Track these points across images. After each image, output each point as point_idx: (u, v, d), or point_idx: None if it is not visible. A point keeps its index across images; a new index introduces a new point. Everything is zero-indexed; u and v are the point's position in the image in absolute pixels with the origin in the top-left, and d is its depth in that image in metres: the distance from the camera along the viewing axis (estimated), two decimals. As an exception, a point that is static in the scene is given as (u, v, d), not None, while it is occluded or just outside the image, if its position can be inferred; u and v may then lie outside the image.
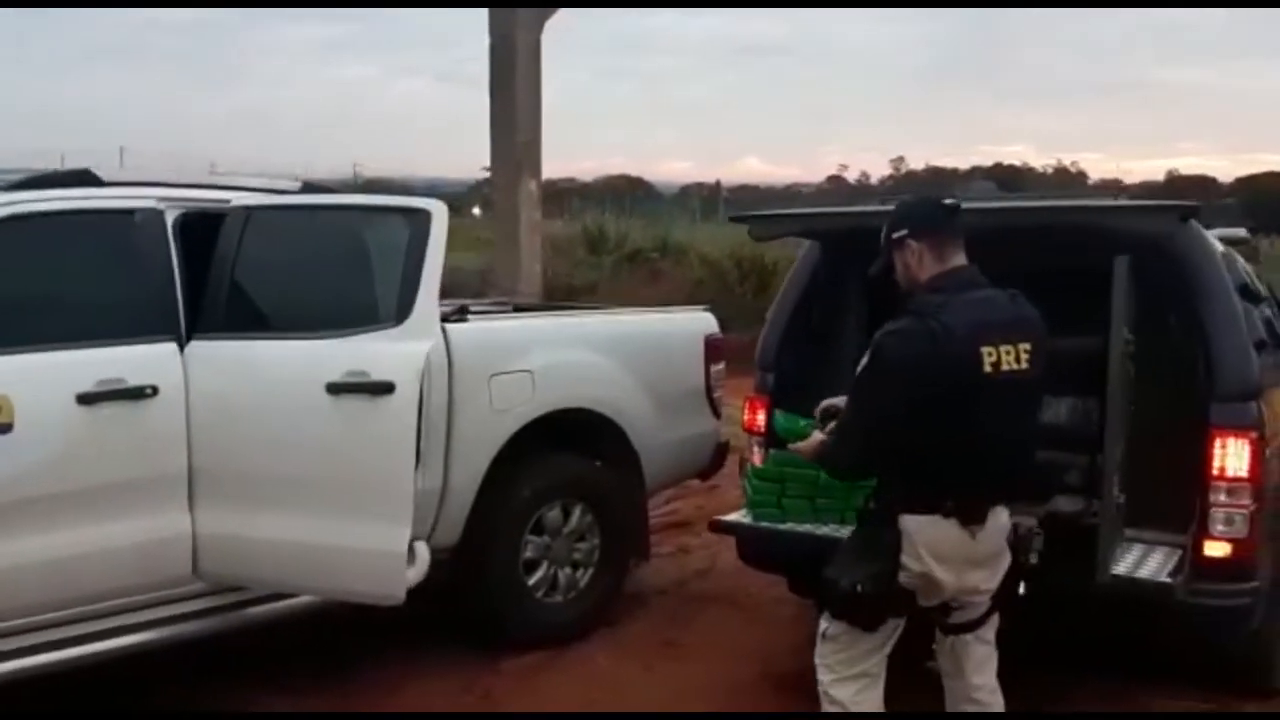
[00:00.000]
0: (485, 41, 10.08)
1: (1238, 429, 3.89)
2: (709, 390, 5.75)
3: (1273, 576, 4.22)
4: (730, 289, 15.18)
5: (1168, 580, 3.65)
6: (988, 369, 3.00)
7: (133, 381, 3.85)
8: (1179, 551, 3.93)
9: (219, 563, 4.01)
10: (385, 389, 3.76)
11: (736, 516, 4.48)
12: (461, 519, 4.74)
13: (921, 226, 3.18)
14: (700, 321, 5.83)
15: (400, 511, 3.79)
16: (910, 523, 3.08)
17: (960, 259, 3.17)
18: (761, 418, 4.74)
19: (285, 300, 4.22)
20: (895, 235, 3.20)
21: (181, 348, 4.01)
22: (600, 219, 20.67)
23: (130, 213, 4.04)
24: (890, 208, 3.42)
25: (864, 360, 3.07)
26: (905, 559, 3.09)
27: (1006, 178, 30.51)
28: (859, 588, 3.07)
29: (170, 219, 4.12)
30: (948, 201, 3.25)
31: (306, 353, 3.94)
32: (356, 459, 3.82)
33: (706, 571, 6.23)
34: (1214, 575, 3.89)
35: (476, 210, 26.80)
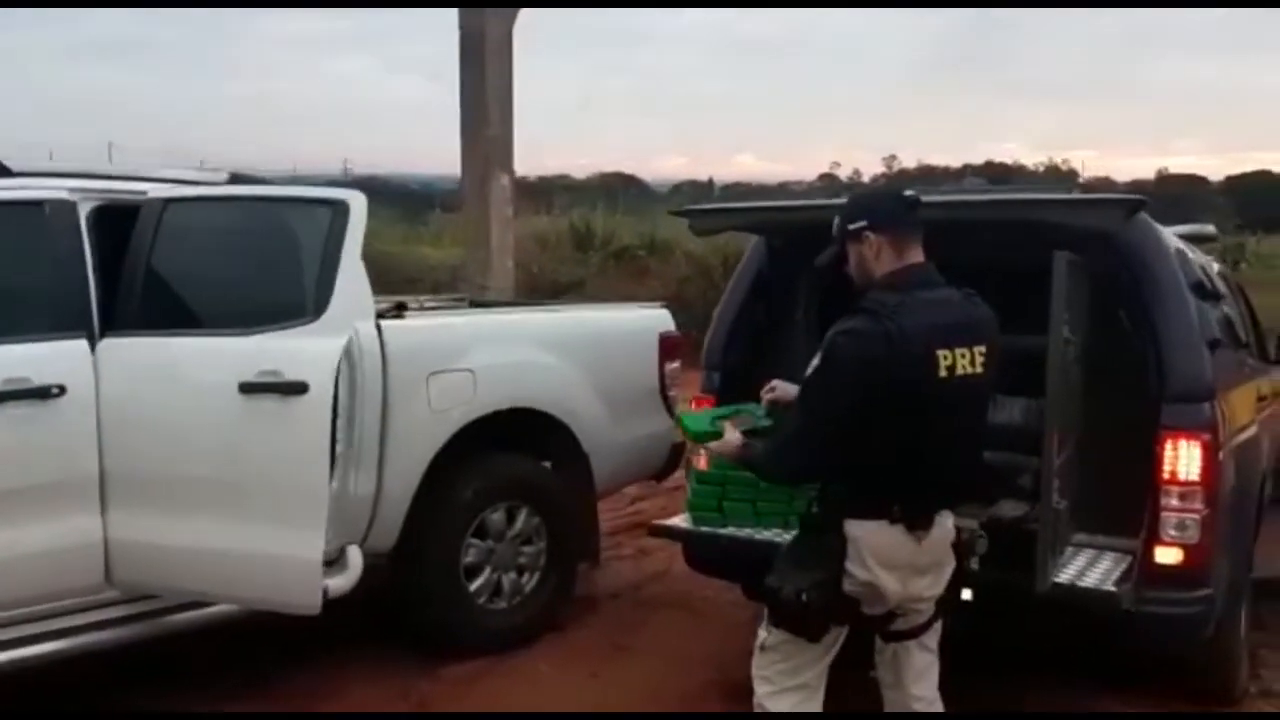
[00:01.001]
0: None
1: (1189, 431, 3.75)
2: (663, 389, 5.60)
3: (1230, 584, 4.09)
4: (716, 285, 15.01)
5: (1112, 589, 3.50)
6: (943, 374, 2.88)
7: (39, 380, 3.70)
8: (1129, 558, 3.78)
9: (132, 570, 3.85)
10: (298, 389, 3.61)
11: (677, 521, 4.32)
12: (398, 523, 4.60)
13: (882, 219, 3.03)
14: (655, 318, 5.68)
15: (314, 517, 3.64)
16: (856, 528, 2.96)
17: (918, 255, 3.04)
18: (708, 418, 4.59)
19: (202, 295, 4.06)
20: (853, 227, 3.05)
21: (93, 345, 3.85)
22: (588, 215, 20.50)
23: (39, 204, 3.89)
24: (836, 201, 3.28)
25: (815, 361, 2.93)
26: (850, 566, 2.96)
27: (998, 175, 30.34)
28: (803, 596, 2.94)
29: (84, 211, 3.96)
30: (908, 194, 3.10)
31: (221, 351, 3.80)
32: (270, 462, 3.67)
33: (663, 574, 6.09)
34: (1165, 582, 3.75)
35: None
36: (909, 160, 44.62)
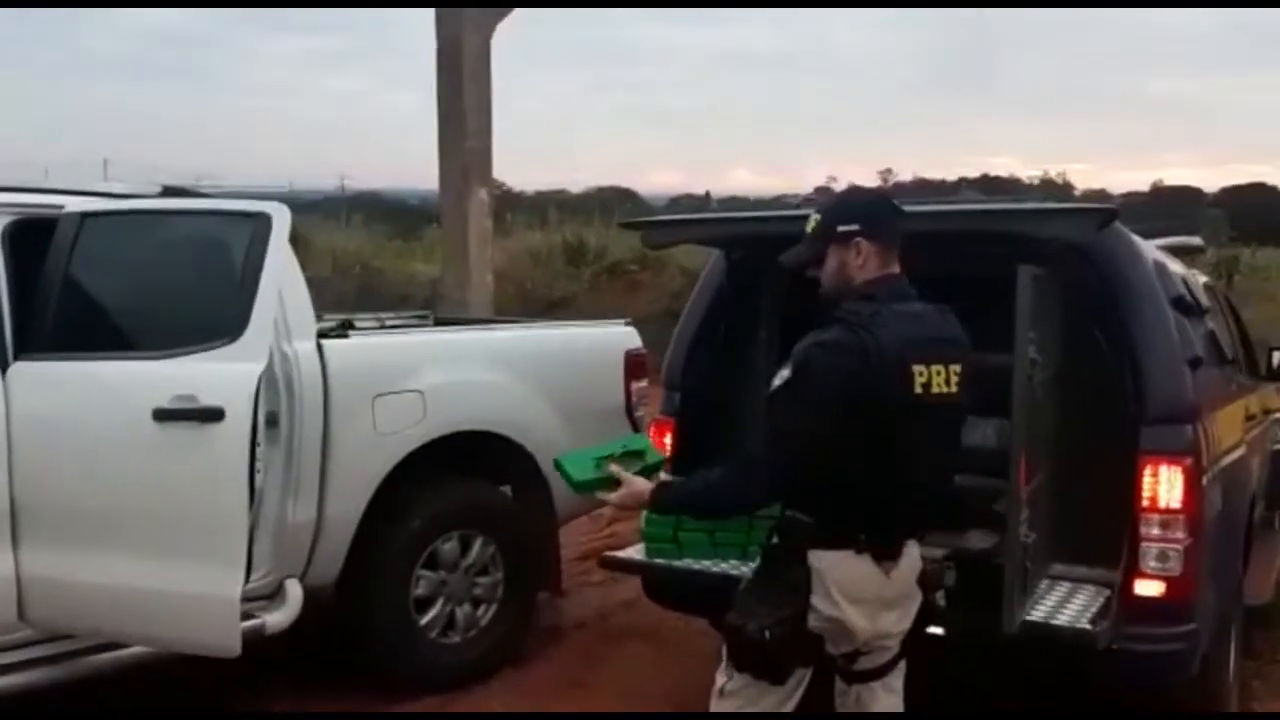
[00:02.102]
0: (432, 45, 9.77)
1: (1170, 455, 3.51)
2: (629, 409, 5.37)
3: (1218, 616, 3.85)
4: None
5: (1087, 627, 3.25)
6: (918, 390, 2.67)
7: (-56, 408, 3.47)
8: (1108, 591, 3.54)
9: (46, 608, 3.61)
10: (214, 415, 3.38)
11: (631, 552, 4.08)
12: (341, 553, 4.38)
13: (876, 226, 2.80)
14: (620, 336, 5.45)
15: (232, 552, 3.40)
16: (820, 559, 2.73)
17: (897, 266, 2.83)
18: (669, 440, 4.36)
19: (120, 316, 3.82)
20: (843, 229, 2.80)
21: (4, 370, 3.63)
22: (581, 231, 20.30)
23: (-54, 221, 3.67)
24: (796, 213, 3.05)
25: (783, 373, 2.68)
26: (815, 600, 2.73)
27: (993, 188, 30.09)
28: (768, 634, 2.70)
29: (-3, 227, 3.74)
30: (898, 203, 2.91)
31: (137, 375, 3.56)
32: (185, 494, 3.43)
33: (633, 602, 5.80)
34: (1146, 618, 3.51)
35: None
36: (904, 174, 44.30)
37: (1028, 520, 3.16)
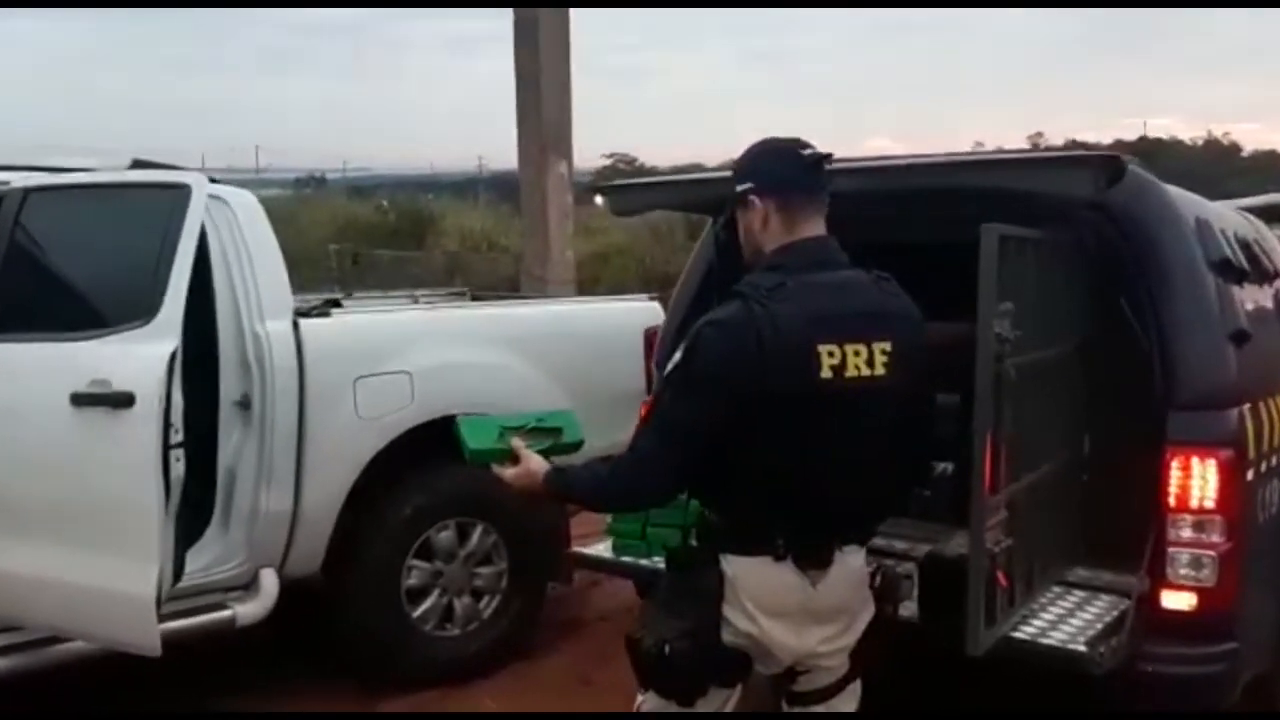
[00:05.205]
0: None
1: (1203, 445, 3.00)
2: (651, 390, 5.03)
3: (1274, 633, 3.32)
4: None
5: (1081, 648, 2.77)
6: (826, 374, 2.29)
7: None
8: (1126, 602, 3.05)
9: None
10: (125, 401, 3.19)
11: (600, 549, 3.75)
12: (322, 543, 4.19)
13: (769, 181, 2.44)
14: (641, 312, 5.10)
15: (144, 547, 3.20)
16: (734, 566, 2.39)
17: (815, 228, 2.44)
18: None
19: (51, 295, 3.67)
20: (740, 188, 2.48)
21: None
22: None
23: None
24: None
25: (676, 355, 2.38)
26: (728, 612, 2.39)
27: (1150, 151, 28.26)
28: (666, 649, 2.39)
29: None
30: (808, 152, 2.46)
31: (56, 357, 3.40)
32: (98, 485, 3.26)
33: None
34: (1174, 635, 3.01)
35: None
36: (1056, 137, 42.13)
37: (1003, 524, 2.69)
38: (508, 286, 10.34)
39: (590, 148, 39.23)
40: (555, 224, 9.55)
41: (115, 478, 3.22)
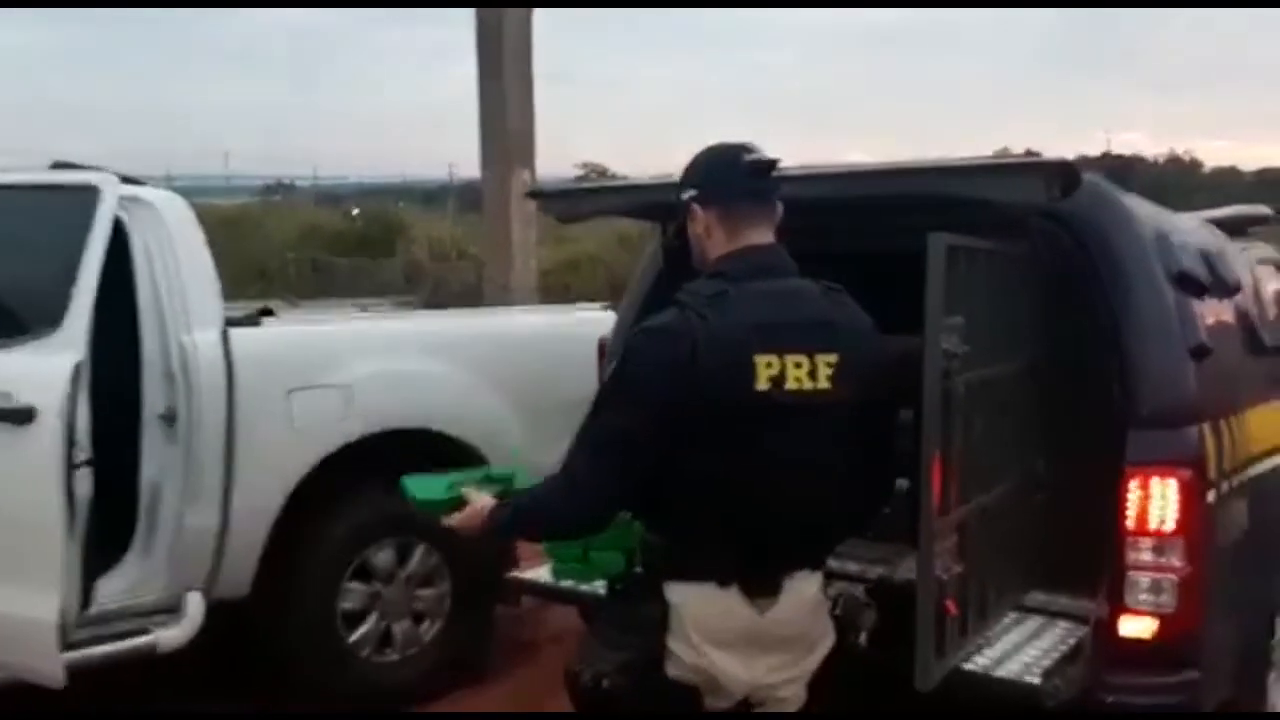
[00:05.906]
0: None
1: (1163, 465, 2.86)
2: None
3: (1241, 659, 3.19)
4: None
5: (1034, 681, 2.62)
6: (763, 385, 2.15)
7: None
8: (1084, 629, 2.91)
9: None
10: (25, 416, 3.00)
11: (539, 573, 3.58)
12: (252, 563, 3.99)
13: (711, 188, 2.32)
14: (595, 322, 4.92)
15: (44, 573, 3.01)
16: (677, 594, 2.24)
17: (762, 236, 2.30)
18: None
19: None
20: (684, 195, 2.36)
21: None
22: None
23: None
24: None
25: (612, 364, 2.28)
26: (672, 643, 2.24)
27: (1115, 168, 28.43)
28: (605, 683, 2.26)
29: None
30: (752, 157, 2.32)
31: (-38, 369, 3.21)
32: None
33: (620, 614, 5.35)
34: (1132, 663, 2.87)
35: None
36: (1019, 151, 42.32)
37: (954, 548, 2.54)
38: (473, 295, 10.16)
39: (564, 157, 39.17)
40: (518, 232, 9.36)
41: (15, 497, 3.03)
